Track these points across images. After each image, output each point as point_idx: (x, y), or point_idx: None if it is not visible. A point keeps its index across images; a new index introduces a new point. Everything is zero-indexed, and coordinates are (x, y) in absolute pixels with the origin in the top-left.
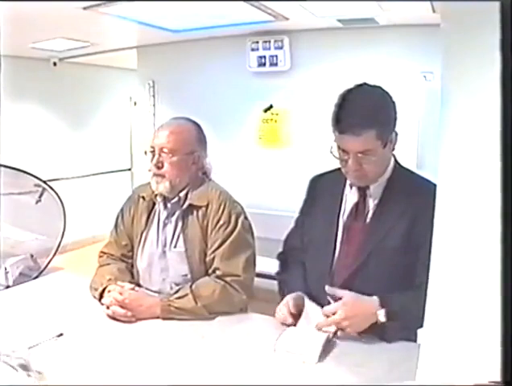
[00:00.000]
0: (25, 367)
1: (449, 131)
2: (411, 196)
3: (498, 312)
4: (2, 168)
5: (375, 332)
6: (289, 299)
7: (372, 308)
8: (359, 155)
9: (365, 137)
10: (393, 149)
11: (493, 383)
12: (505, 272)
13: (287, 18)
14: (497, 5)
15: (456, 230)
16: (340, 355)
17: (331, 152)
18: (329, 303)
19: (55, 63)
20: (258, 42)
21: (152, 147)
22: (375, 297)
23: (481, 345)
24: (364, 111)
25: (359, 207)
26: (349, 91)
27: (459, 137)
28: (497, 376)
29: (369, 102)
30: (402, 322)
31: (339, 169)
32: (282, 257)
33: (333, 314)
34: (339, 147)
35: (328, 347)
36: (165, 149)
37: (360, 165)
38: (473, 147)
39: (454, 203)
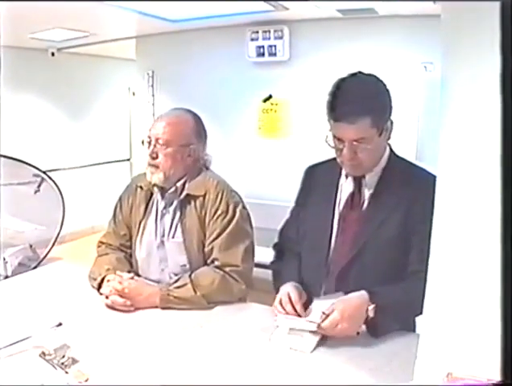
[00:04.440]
0: (64, 365)
1: (449, 121)
2: (406, 186)
3: (498, 303)
4: (2, 158)
5: (366, 327)
6: (290, 291)
7: (364, 305)
8: (354, 143)
9: (359, 125)
10: (388, 138)
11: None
12: (505, 263)
13: (287, 8)
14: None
15: (455, 221)
16: (338, 346)
17: (326, 141)
18: (325, 294)
19: (53, 54)
20: (257, 32)
21: (149, 137)
22: (363, 292)
23: (480, 335)
24: (358, 99)
25: (354, 197)
26: (343, 79)
27: (459, 127)
28: (496, 366)
29: (363, 90)
30: (391, 315)
31: (334, 159)
32: (277, 248)
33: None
34: (334, 136)
35: (325, 337)
36: (160, 141)
37: (355, 153)
38: (473, 137)
39: (454, 193)
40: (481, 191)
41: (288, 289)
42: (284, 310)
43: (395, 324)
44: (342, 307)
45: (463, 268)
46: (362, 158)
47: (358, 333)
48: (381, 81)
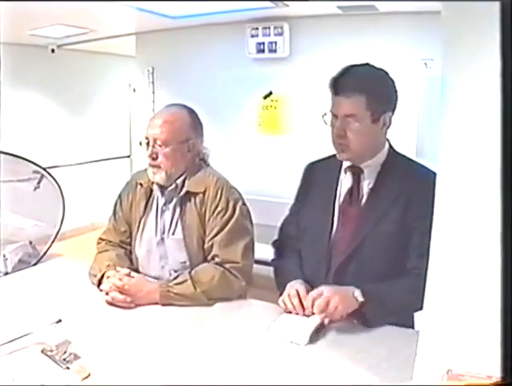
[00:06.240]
0: (65, 361)
1: (449, 118)
2: (405, 181)
3: (498, 300)
4: (2, 155)
5: (358, 317)
6: (298, 287)
7: (348, 289)
8: (346, 119)
9: (354, 100)
10: (385, 133)
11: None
12: (505, 260)
13: (287, 5)
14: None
15: (456, 218)
16: (339, 342)
17: (322, 117)
18: None
19: (53, 50)
20: (257, 28)
21: (147, 138)
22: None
23: (479, 331)
24: (359, 78)
25: (353, 192)
26: (353, 64)
27: (459, 124)
28: (496, 363)
29: (367, 73)
30: (380, 305)
31: (334, 155)
32: (277, 245)
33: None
34: (332, 113)
35: (325, 333)
36: (158, 141)
37: (344, 131)
38: (474, 134)
39: (454, 190)
40: (482, 188)
41: (296, 286)
42: (292, 303)
43: (386, 315)
44: (329, 287)
45: (463, 265)
46: (351, 139)
47: (355, 321)
48: (390, 77)
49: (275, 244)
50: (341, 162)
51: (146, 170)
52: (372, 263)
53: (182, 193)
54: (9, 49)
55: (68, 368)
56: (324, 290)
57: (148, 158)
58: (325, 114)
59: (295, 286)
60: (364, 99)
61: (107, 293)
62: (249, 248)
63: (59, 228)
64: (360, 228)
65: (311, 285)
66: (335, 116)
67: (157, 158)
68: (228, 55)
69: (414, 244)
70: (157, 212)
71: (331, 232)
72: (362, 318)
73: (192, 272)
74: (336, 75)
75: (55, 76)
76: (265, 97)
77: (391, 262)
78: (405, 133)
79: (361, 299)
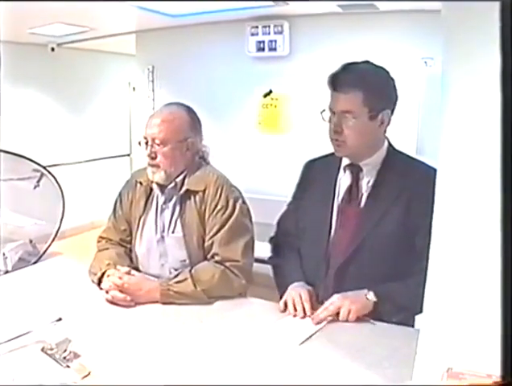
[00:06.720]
0: (66, 360)
1: (450, 116)
2: (406, 179)
3: (498, 298)
4: (2, 153)
5: (374, 316)
6: (300, 291)
7: (360, 292)
8: (343, 115)
9: (351, 96)
10: (385, 132)
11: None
12: (505, 258)
13: (287, 3)
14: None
15: (456, 216)
16: (339, 340)
17: (321, 113)
18: (325, 289)
19: (53, 49)
20: (257, 27)
21: (145, 138)
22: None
23: (479, 330)
24: (357, 74)
25: (352, 191)
26: (353, 62)
27: (459, 122)
28: (495, 361)
29: (366, 70)
30: (394, 302)
31: (333, 153)
32: (275, 242)
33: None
34: (330, 110)
35: (325, 332)
36: (157, 140)
37: (341, 127)
38: (474, 132)
39: (454, 188)
40: (482, 186)
41: (299, 290)
42: (295, 309)
43: (401, 312)
44: (339, 294)
45: (463, 263)
46: (347, 135)
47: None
48: (390, 76)
49: (273, 240)
50: (340, 160)
51: (146, 168)
52: (372, 264)
53: (182, 191)
54: (9, 47)
55: (68, 367)
56: (335, 298)
57: (147, 157)
58: (324, 111)
59: (297, 290)
60: (361, 95)
61: (107, 292)
62: (249, 247)
63: (59, 227)
64: (360, 229)
65: (310, 286)
66: (333, 112)
67: (156, 157)
68: (228, 54)
69: (420, 244)
70: (157, 211)
71: (330, 232)
72: (376, 317)
73: (192, 270)
74: (335, 72)
75: (55, 75)
76: (265, 96)
77: (393, 262)
78: (405, 132)
79: (374, 299)
